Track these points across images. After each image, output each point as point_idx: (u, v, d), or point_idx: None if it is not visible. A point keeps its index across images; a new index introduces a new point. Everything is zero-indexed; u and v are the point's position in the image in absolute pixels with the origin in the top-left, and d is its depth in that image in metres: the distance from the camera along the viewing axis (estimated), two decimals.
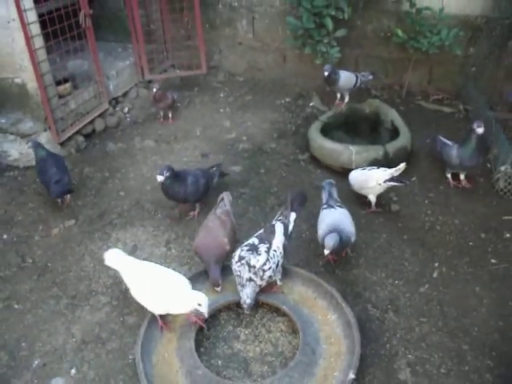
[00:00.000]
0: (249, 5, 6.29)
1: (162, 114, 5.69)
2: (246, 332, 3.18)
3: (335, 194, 3.88)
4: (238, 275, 3.12)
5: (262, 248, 3.19)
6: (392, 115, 4.93)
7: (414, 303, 3.38)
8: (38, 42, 4.69)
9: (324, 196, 3.87)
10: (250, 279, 3.08)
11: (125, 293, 3.48)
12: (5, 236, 4.10)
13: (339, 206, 3.69)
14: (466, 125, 5.35)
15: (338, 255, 3.63)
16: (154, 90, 5.39)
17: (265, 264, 3.12)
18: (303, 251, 3.80)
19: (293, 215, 3.49)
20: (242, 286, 3.09)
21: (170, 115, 5.68)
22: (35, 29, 4.63)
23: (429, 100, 5.93)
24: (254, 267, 3.08)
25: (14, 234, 4.12)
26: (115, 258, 3.23)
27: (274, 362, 2.99)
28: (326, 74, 4.82)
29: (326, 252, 3.36)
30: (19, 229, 4.17)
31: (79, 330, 3.25)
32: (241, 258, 3.14)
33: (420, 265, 3.68)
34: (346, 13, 5.41)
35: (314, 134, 4.76)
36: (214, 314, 3.23)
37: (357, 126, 5.13)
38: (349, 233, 3.48)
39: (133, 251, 3.84)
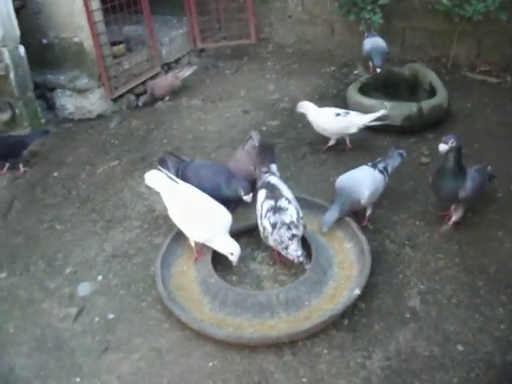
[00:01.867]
0: None
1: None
2: (263, 254, 3.32)
3: (391, 163, 3.67)
4: (278, 242, 3.00)
5: (283, 203, 3.07)
6: (430, 76, 4.95)
7: (432, 241, 3.41)
8: (95, 3, 5.08)
9: (383, 158, 3.71)
10: (293, 236, 2.98)
11: (155, 218, 3.77)
12: (55, 174, 4.48)
13: (379, 171, 3.53)
14: (511, 95, 5.31)
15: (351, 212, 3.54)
16: (141, 103, 5.61)
17: (298, 213, 3.07)
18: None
19: (273, 166, 3.39)
20: (286, 247, 2.99)
21: (167, 97, 5.70)
22: None
23: (475, 71, 5.85)
24: (293, 222, 3.00)
25: (64, 172, 4.50)
26: (156, 178, 3.34)
27: (285, 281, 3.11)
28: None
29: (325, 230, 3.34)
30: (69, 168, 4.55)
31: (110, 247, 3.54)
32: (274, 226, 3.00)
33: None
34: None
35: (352, 91, 4.86)
36: (236, 237, 3.36)
37: (396, 89, 5.17)
38: (355, 195, 3.36)
39: None
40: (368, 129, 4.69)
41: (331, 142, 4.45)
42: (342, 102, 5.10)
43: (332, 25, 6.57)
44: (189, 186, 3.32)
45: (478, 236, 3.43)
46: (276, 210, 3.05)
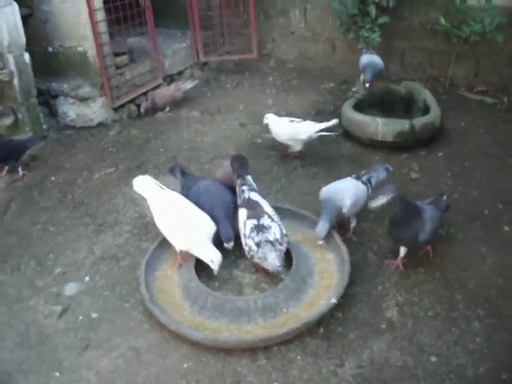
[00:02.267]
0: None
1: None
2: (247, 262, 3.38)
3: (375, 175, 3.72)
4: (262, 259, 3.06)
5: (266, 221, 3.13)
6: (425, 94, 5.03)
7: (414, 255, 3.46)
8: (100, 15, 5.24)
9: (368, 171, 3.78)
10: (276, 250, 3.04)
11: (146, 224, 3.87)
12: (53, 178, 4.60)
13: (362, 182, 3.61)
14: (506, 115, 5.38)
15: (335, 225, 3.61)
16: (142, 109, 5.76)
17: (281, 230, 3.13)
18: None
19: (249, 178, 3.43)
20: (265, 258, 3.05)
21: (167, 108, 5.82)
22: (98, 3, 5.18)
23: (472, 91, 5.93)
24: (277, 240, 3.06)
25: (61, 177, 4.62)
26: (143, 184, 3.41)
27: (266, 289, 3.17)
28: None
29: (320, 242, 3.37)
30: (66, 173, 4.67)
31: (99, 250, 3.64)
32: (258, 244, 3.04)
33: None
34: (390, 1, 5.58)
35: (346, 107, 4.96)
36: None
37: (392, 106, 5.26)
38: (338, 203, 3.41)
39: None
40: (360, 145, 4.82)
41: (293, 149, 4.61)
42: (338, 117, 5.18)
43: (333, 42, 6.69)
44: (174, 193, 3.39)
45: (461, 251, 3.49)
46: (259, 229, 3.10)
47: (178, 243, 3.20)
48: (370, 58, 5.14)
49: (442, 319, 2.98)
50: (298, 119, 4.55)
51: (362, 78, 5.22)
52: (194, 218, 3.22)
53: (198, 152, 4.84)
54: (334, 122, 4.40)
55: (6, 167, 4.53)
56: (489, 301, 3.08)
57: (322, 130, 4.41)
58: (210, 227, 3.21)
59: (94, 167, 4.73)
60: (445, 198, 3.52)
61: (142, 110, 5.71)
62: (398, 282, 3.24)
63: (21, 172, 4.55)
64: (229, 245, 3.27)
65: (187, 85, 5.92)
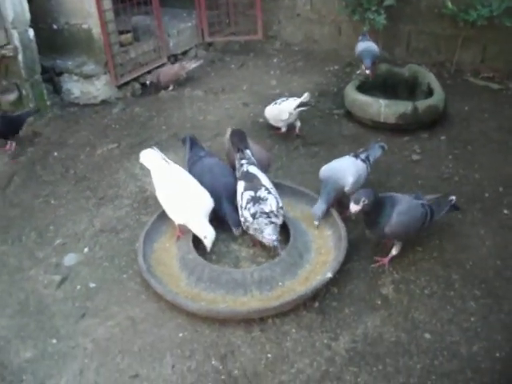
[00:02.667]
0: None
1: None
2: (245, 237, 3.40)
3: (372, 153, 3.73)
4: (257, 230, 3.10)
5: (263, 193, 3.16)
6: (429, 78, 5.01)
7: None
8: None
9: (365, 149, 3.79)
10: (271, 222, 3.07)
11: (146, 198, 3.92)
12: (56, 153, 4.65)
13: (361, 160, 3.61)
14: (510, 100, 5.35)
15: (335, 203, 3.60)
16: (148, 82, 5.78)
17: (278, 203, 3.16)
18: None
19: (248, 152, 3.45)
20: (261, 231, 3.09)
21: (171, 87, 5.82)
22: None
23: (478, 77, 5.89)
24: (272, 211, 3.09)
25: (64, 152, 4.66)
26: (149, 156, 3.46)
27: (263, 263, 3.19)
28: None
29: (316, 223, 3.39)
30: (69, 149, 4.71)
31: (99, 222, 3.68)
32: (254, 215, 3.08)
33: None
34: None
35: (349, 89, 4.95)
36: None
37: (395, 89, 5.24)
38: (340, 181, 3.43)
39: None
40: (362, 126, 4.81)
41: (282, 130, 4.69)
42: (341, 99, 5.19)
43: (339, 25, 6.66)
44: (178, 167, 3.41)
45: (460, 233, 3.49)
46: (256, 200, 3.14)
47: (176, 216, 3.23)
48: (365, 45, 5.14)
49: (438, 298, 2.99)
50: (280, 100, 4.60)
51: (362, 66, 5.20)
52: (193, 193, 3.24)
53: (201, 130, 4.85)
54: (306, 95, 4.43)
55: (11, 142, 4.56)
56: (486, 282, 3.09)
57: (298, 106, 4.44)
58: (207, 203, 3.23)
59: (96, 143, 4.76)
60: (452, 198, 3.30)
61: (147, 82, 5.73)
62: (394, 260, 3.24)
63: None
64: (237, 231, 3.29)
65: (191, 64, 5.92)
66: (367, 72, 5.01)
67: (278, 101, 4.60)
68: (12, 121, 4.59)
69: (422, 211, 3.11)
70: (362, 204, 2.94)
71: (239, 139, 3.49)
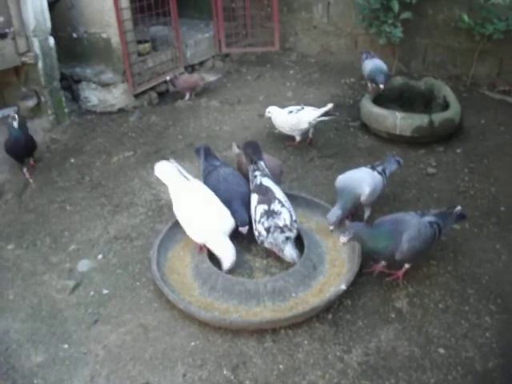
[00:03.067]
0: None
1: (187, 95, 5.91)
2: (259, 248, 3.39)
3: (388, 167, 3.73)
4: (273, 245, 3.13)
5: (276, 207, 3.17)
6: (445, 91, 4.99)
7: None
8: (125, 2, 5.31)
9: (381, 162, 3.79)
10: (287, 238, 3.10)
11: (160, 206, 3.93)
12: (72, 160, 4.69)
13: (378, 172, 3.61)
14: None
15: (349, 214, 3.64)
16: (168, 78, 5.73)
17: (292, 216, 3.17)
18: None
19: (261, 163, 3.46)
20: (281, 250, 3.12)
21: (187, 97, 5.86)
22: None
23: (494, 90, 5.87)
24: (286, 226, 3.11)
25: (80, 159, 4.70)
26: (165, 170, 3.39)
27: (276, 273, 3.18)
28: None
29: (331, 228, 3.38)
30: (85, 156, 4.75)
31: (114, 229, 3.69)
32: (267, 230, 3.11)
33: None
34: None
35: (365, 101, 4.95)
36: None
37: (411, 102, 5.23)
38: (357, 190, 3.43)
39: None
40: (378, 138, 4.80)
41: (297, 139, 4.70)
42: (357, 111, 5.18)
43: (356, 38, 6.67)
44: (198, 183, 3.37)
45: (475, 247, 3.45)
46: (269, 214, 3.15)
47: (195, 236, 3.17)
48: (374, 63, 5.13)
49: (453, 312, 2.95)
50: (295, 108, 4.58)
51: (369, 85, 5.19)
52: (214, 212, 3.19)
53: (216, 140, 4.87)
54: (330, 106, 4.46)
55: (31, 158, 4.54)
56: (501, 297, 3.04)
57: (321, 116, 4.45)
58: (228, 223, 3.18)
59: (112, 151, 4.80)
60: (458, 208, 3.23)
61: (167, 78, 5.72)
62: (409, 273, 3.21)
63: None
64: (244, 228, 3.28)
65: (210, 77, 5.97)
66: (381, 87, 4.98)
67: (293, 110, 4.57)
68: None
69: (431, 232, 3.04)
70: (348, 237, 2.96)
71: (253, 150, 3.49)
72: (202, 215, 3.16)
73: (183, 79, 5.78)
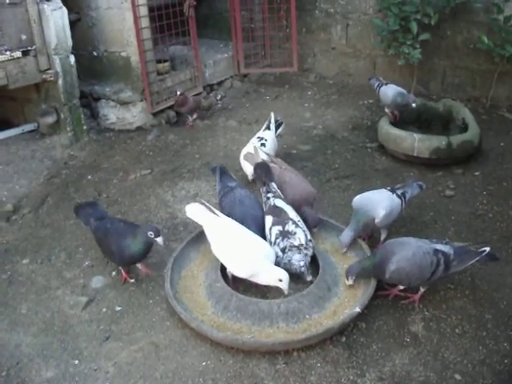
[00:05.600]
0: (344, 12, 6.62)
1: (189, 118, 5.74)
2: None
3: (409, 191, 3.65)
4: (288, 264, 3.11)
5: (291, 227, 3.18)
6: (464, 113, 4.95)
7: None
8: (145, 22, 5.38)
9: (402, 185, 3.72)
10: (300, 254, 3.10)
11: (176, 224, 3.94)
12: (89, 177, 4.73)
13: (397, 195, 3.53)
14: None
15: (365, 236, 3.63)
16: (178, 93, 5.49)
17: (306, 236, 3.18)
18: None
19: (273, 185, 3.50)
20: (289, 260, 3.12)
21: (191, 118, 5.69)
22: (143, 10, 5.32)
23: None
24: (302, 245, 3.12)
25: (97, 176, 4.74)
26: (196, 211, 3.30)
27: (290, 294, 3.13)
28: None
29: (344, 250, 3.38)
30: (103, 173, 4.79)
31: None
32: (284, 250, 3.11)
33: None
34: (432, 18, 5.55)
35: (383, 122, 4.94)
36: None
37: (429, 123, 5.20)
38: (371, 213, 3.37)
39: (193, 197, 4.30)
40: (395, 160, 4.77)
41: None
42: (374, 133, 5.17)
43: (374, 59, 6.68)
44: (228, 219, 3.26)
45: (493, 271, 3.38)
46: (284, 235, 3.16)
47: (242, 271, 3.05)
48: (394, 89, 5.03)
49: (470, 337, 2.89)
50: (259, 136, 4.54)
51: (387, 110, 5.13)
52: (255, 244, 3.11)
53: (234, 160, 4.86)
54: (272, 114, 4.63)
55: None
56: None
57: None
58: (270, 251, 3.11)
59: (129, 168, 4.84)
60: (485, 249, 3.06)
61: (177, 92, 5.55)
62: (425, 297, 3.16)
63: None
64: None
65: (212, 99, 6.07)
66: (414, 106, 4.89)
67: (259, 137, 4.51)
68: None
69: (431, 259, 2.95)
70: (351, 280, 3.05)
71: (264, 173, 3.50)
72: (246, 249, 3.06)
73: (193, 98, 5.65)
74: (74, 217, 4.02)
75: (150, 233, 3.08)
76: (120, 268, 3.34)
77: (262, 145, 4.32)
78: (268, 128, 4.53)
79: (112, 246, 3.20)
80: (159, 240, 3.09)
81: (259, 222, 3.38)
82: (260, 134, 4.49)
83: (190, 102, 5.53)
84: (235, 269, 3.09)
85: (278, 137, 4.68)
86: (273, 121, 4.56)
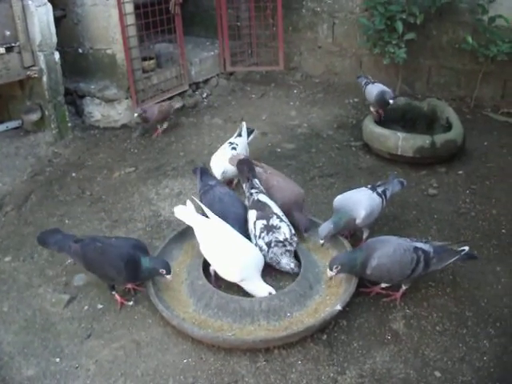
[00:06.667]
0: (330, 10, 6.64)
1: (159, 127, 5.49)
2: None
3: (390, 188, 3.68)
4: (273, 260, 3.16)
5: (275, 221, 3.22)
6: (448, 112, 4.99)
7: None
8: (130, 19, 5.36)
9: (383, 183, 3.75)
10: (286, 251, 3.16)
11: (159, 222, 3.93)
12: (73, 174, 4.71)
13: (378, 194, 3.55)
14: None
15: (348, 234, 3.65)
16: (136, 114, 5.25)
17: (291, 230, 3.22)
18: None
19: (256, 181, 3.52)
20: (278, 262, 3.17)
21: (160, 128, 5.45)
22: (128, 7, 5.30)
23: (498, 112, 5.87)
24: (286, 239, 3.16)
25: (82, 173, 4.72)
26: (185, 212, 3.29)
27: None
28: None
29: (322, 241, 3.33)
30: (87, 170, 4.77)
31: None
32: (269, 244, 3.15)
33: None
34: (418, 18, 5.59)
35: (367, 121, 4.95)
36: None
37: (414, 123, 5.24)
38: (352, 213, 3.38)
39: (177, 195, 4.29)
40: (380, 159, 4.80)
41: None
42: (359, 131, 5.19)
43: (360, 58, 6.70)
44: (219, 221, 3.23)
45: (474, 269, 3.40)
46: (269, 229, 3.19)
47: (230, 275, 3.07)
48: (380, 87, 5.05)
49: (450, 335, 2.91)
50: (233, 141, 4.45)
51: (372, 109, 5.15)
52: (244, 249, 3.12)
53: None
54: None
55: None
56: (500, 320, 3.00)
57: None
58: (260, 258, 3.12)
59: (114, 166, 4.82)
60: (464, 248, 3.10)
61: (135, 114, 5.30)
62: (406, 295, 3.18)
63: None
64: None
65: (176, 104, 5.97)
66: (391, 101, 4.92)
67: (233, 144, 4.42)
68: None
69: (411, 256, 2.98)
70: (335, 270, 2.98)
71: (248, 168, 3.51)
72: (235, 254, 3.06)
73: (156, 109, 5.29)
74: (58, 214, 4.03)
75: (162, 270, 2.99)
76: (113, 293, 3.15)
77: (233, 149, 4.29)
78: (239, 135, 4.50)
79: (115, 261, 2.97)
80: (169, 277, 3.02)
81: (239, 218, 3.39)
82: (232, 139, 4.46)
83: (153, 115, 5.24)
84: (225, 274, 3.10)
85: (250, 144, 4.63)
86: (244, 129, 4.52)
